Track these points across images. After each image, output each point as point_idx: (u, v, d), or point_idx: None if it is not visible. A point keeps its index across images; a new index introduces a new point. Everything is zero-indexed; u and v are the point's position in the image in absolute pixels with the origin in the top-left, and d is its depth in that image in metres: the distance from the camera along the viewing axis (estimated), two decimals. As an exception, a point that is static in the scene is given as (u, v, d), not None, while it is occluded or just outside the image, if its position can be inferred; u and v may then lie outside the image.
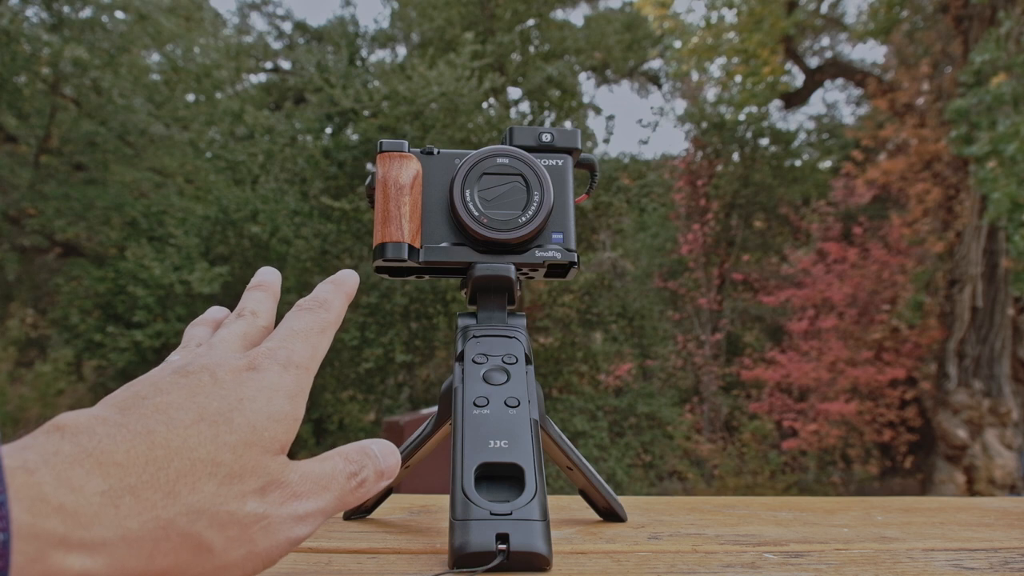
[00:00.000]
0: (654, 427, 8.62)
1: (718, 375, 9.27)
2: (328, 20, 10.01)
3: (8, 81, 7.88)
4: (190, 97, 9.38)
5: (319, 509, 0.34)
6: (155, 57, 9.37)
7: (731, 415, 9.08)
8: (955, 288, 8.39)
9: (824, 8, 10.04)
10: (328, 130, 8.62)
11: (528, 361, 0.50)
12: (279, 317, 0.41)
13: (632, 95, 16.94)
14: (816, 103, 18.27)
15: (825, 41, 10.76)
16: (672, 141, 33.81)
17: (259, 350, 0.36)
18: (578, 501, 0.63)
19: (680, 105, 13.02)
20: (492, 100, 9.53)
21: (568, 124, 9.32)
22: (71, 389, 8.31)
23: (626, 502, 0.60)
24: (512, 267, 0.53)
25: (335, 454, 0.37)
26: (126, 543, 0.27)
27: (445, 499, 0.64)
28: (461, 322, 0.54)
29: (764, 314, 9.66)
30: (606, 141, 9.99)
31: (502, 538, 0.40)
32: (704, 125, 9.87)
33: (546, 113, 9.57)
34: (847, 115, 11.51)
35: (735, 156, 10.05)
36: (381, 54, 10.13)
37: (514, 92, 10.02)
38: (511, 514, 0.41)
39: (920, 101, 8.98)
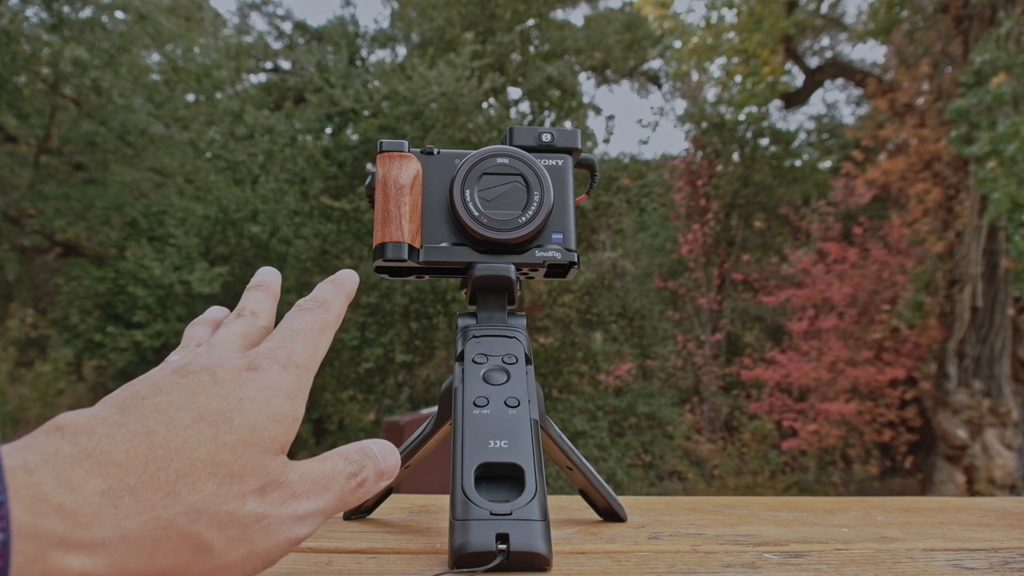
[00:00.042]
0: (654, 427, 8.62)
1: (718, 375, 9.27)
2: (328, 20, 10.02)
3: (8, 81, 7.88)
4: (190, 97, 9.38)
5: (319, 509, 0.34)
6: (155, 57, 9.38)
7: (731, 415, 9.08)
8: (955, 288, 8.39)
9: (824, 8, 10.05)
10: (328, 130, 8.63)
11: (528, 361, 0.50)
12: (279, 317, 0.41)
13: (632, 95, 16.96)
14: (816, 103, 18.30)
15: (825, 41, 10.77)
16: (672, 141, 33.83)
17: (259, 350, 0.36)
18: (578, 501, 0.63)
19: (680, 105, 13.04)
20: (492, 100, 9.53)
21: (568, 124, 9.32)
22: (71, 389, 8.31)
23: (626, 502, 0.60)
24: (512, 267, 0.53)
25: (335, 454, 0.37)
26: (126, 543, 0.27)
27: (445, 499, 0.64)
28: (461, 322, 0.54)
29: (764, 314, 9.66)
30: (606, 141, 10.00)
31: (502, 538, 0.40)
32: (704, 125, 9.87)
33: (546, 113, 9.57)
34: (847, 115, 11.53)
35: (735, 156, 10.06)
36: (381, 54, 10.15)
37: (514, 92, 10.03)
38: (511, 514, 0.41)
39: (920, 101, 8.98)
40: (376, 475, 0.37)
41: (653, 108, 16.34)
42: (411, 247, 0.53)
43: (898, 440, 8.28)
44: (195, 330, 0.42)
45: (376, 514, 0.60)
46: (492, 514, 0.41)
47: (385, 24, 10.45)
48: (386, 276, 0.55)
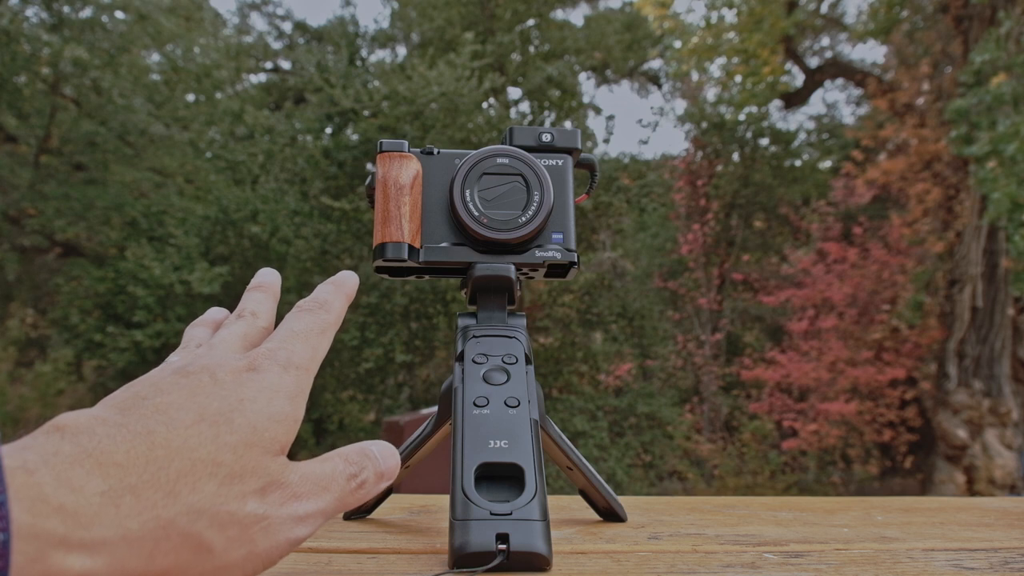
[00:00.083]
0: (654, 427, 8.62)
1: (718, 375, 9.27)
2: (328, 20, 10.02)
3: (8, 81, 7.88)
4: (190, 97, 9.38)
5: (319, 510, 0.34)
6: (155, 57, 9.38)
7: (731, 415, 9.08)
8: (955, 288, 8.39)
9: (824, 8, 10.05)
10: (328, 130, 8.63)
11: (528, 361, 0.50)
12: (279, 318, 0.41)
13: (632, 95, 16.96)
14: (816, 103, 18.30)
15: (825, 41, 10.77)
16: (672, 141, 33.83)
17: (259, 351, 0.37)
18: (578, 501, 0.63)
19: (680, 105, 13.04)
20: (492, 100, 9.53)
21: (568, 124, 9.32)
22: (71, 389, 8.32)
23: (626, 502, 0.60)
24: (512, 267, 0.53)
25: (335, 455, 0.37)
26: (126, 543, 0.27)
27: (445, 499, 0.64)
28: (461, 322, 0.54)
29: (764, 314, 9.66)
30: (606, 141, 10.01)
31: (502, 538, 0.40)
32: (704, 125, 9.87)
33: (546, 113, 9.57)
34: (847, 115, 11.53)
35: (735, 156, 10.06)
36: (381, 54, 10.15)
37: (514, 92, 10.03)
38: (511, 514, 0.41)
39: (920, 101, 8.98)
40: (376, 476, 0.37)
41: (653, 108, 16.36)
42: (411, 247, 0.53)
43: (898, 440, 8.29)
44: (195, 331, 0.42)
45: (376, 514, 0.60)
46: (492, 514, 0.41)
47: (385, 24, 10.46)
48: (386, 276, 0.55)
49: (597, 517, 0.60)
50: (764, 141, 10.13)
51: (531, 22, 9.97)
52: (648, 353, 9.35)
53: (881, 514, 0.66)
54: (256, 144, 8.41)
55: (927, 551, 0.50)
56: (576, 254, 0.55)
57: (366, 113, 8.33)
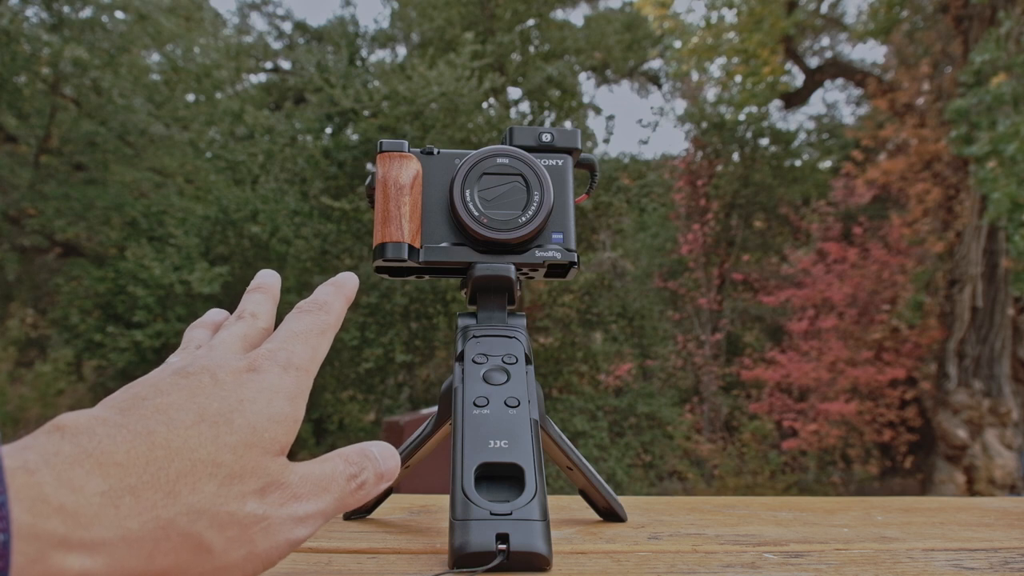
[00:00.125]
0: (654, 427, 8.62)
1: (718, 375, 9.27)
2: (328, 20, 10.03)
3: (8, 81, 7.88)
4: (190, 97, 9.38)
5: (319, 511, 0.34)
6: (155, 57, 9.39)
7: (731, 415, 9.08)
8: (955, 288, 8.39)
9: (824, 8, 10.05)
10: (328, 130, 8.63)
11: (528, 361, 0.50)
12: (279, 319, 0.42)
13: (632, 95, 16.97)
14: (816, 103, 18.31)
15: (825, 41, 10.77)
16: (672, 141, 33.85)
17: (259, 352, 0.37)
18: (578, 501, 0.63)
19: (680, 105, 13.04)
20: (492, 100, 9.54)
21: (568, 124, 9.32)
22: (71, 389, 8.32)
23: (626, 502, 0.60)
24: (512, 267, 0.53)
25: (335, 456, 0.37)
26: (126, 543, 0.27)
27: (445, 499, 0.64)
28: (461, 322, 0.54)
29: (764, 314, 9.66)
30: (606, 141, 10.01)
31: (502, 538, 0.40)
32: (704, 125, 9.88)
33: (546, 113, 9.57)
34: (847, 115, 11.53)
35: (735, 156, 10.06)
36: (381, 54, 10.15)
37: (514, 92, 10.03)
38: (511, 514, 0.41)
39: (920, 101, 8.98)
40: (376, 477, 0.37)
41: (653, 108, 16.37)
42: (411, 247, 0.53)
43: (898, 440, 8.29)
44: (195, 332, 0.42)
45: (376, 514, 0.60)
46: (492, 514, 0.41)
47: (385, 24, 10.47)
48: (386, 276, 0.55)
49: (597, 517, 0.60)
50: (764, 141, 10.14)
51: (531, 22, 9.97)
52: (648, 353, 9.36)
53: (881, 514, 0.66)
54: (256, 144, 8.41)
55: (927, 551, 0.50)
56: (576, 254, 0.55)
57: (366, 113, 8.34)
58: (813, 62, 10.69)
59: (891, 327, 8.42)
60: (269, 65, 10.78)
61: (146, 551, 0.28)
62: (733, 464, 8.42)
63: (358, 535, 0.52)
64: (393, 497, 0.64)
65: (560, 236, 0.54)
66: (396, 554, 0.46)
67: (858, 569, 0.44)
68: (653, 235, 10.06)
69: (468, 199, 0.53)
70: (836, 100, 16.00)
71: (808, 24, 9.95)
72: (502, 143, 0.57)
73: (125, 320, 7.77)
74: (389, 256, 0.52)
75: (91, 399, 8.02)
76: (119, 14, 8.75)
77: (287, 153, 8.39)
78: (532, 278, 0.56)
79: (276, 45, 10.71)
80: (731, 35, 9.82)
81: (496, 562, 0.39)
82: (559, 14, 10.57)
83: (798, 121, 13.69)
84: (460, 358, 0.50)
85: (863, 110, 10.38)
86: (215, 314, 0.44)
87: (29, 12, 8.27)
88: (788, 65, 10.30)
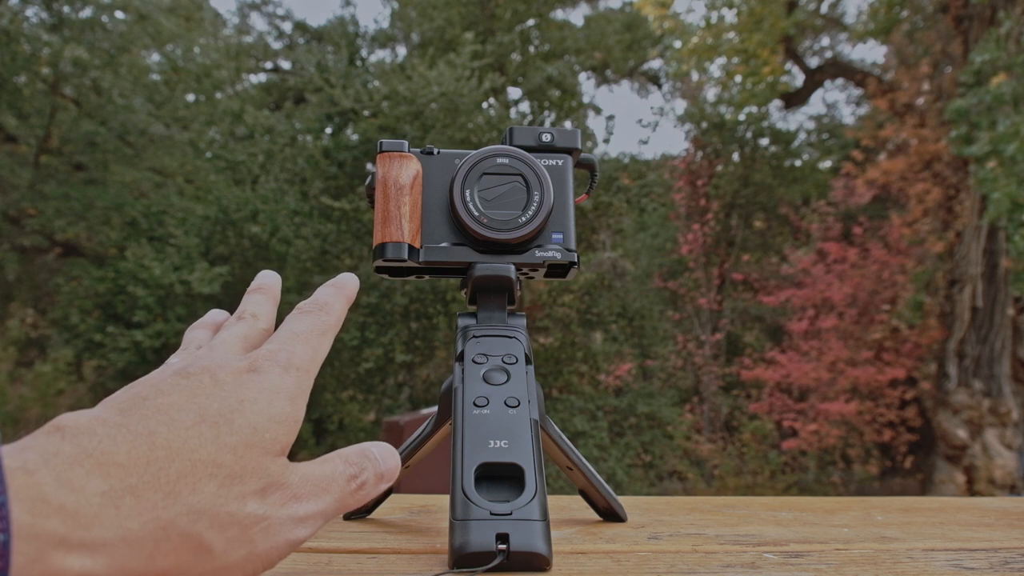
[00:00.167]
0: (654, 427, 8.62)
1: (718, 375, 9.27)
2: (328, 20, 10.03)
3: (8, 81, 7.88)
4: (190, 97, 9.38)
5: (319, 511, 0.34)
6: (155, 57, 9.39)
7: (731, 415, 9.08)
8: (955, 288, 8.39)
9: (824, 8, 10.05)
10: (328, 130, 8.63)
11: (528, 361, 0.50)
12: (279, 320, 0.42)
13: (632, 95, 16.97)
14: (816, 103, 18.30)
15: (825, 41, 10.77)
16: (672, 141, 33.84)
17: (260, 352, 0.37)
18: (578, 501, 0.63)
19: (680, 105, 13.04)
20: (492, 100, 9.54)
21: (568, 124, 9.32)
22: (71, 389, 8.32)
23: (626, 502, 0.60)
24: (512, 267, 0.53)
25: (335, 456, 0.37)
26: (126, 543, 0.27)
27: (445, 499, 0.64)
28: (461, 322, 0.54)
29: (764, 314, 9.66)
30: (606, 141, 10.01)
31: (502, 538, 0.40)
32: (704, 125, 9.88)
33: (546, 113, 9.57)
34: (847, 115, 11.53)
35: (735, 156, 10.06)
36: (381, 54, 10.15)
37: (514, 92, 10.03)
38: (511, 514, 0.41)
39: (920, 101, 8.98)
40: (376, 478, 0.37)
41: (653, 108, 16.36)
42: (411, 247, 0.53)
43: (898, 440, 8.29)
44: (195, 333, 0.42)
45: (376, 514, 0.60)
46: (492, 514, 0.41)
47: (385, 24, 10.46)
48: (386, 276, 0.55)
49: (597, 517, 0.60)
50: (764, 141, 10.14)
51: (531, 22, 9.97)
52: (648, 353, 9.36)
53: (881, 514, 0.66)
54: (256, 144, 8.41)
55: (927, 551, 0.50)
56: (576, 254, 0.55)
57: (366, 113, 8.34)
58: (813, 62, 10.70)
59: (891, 327, 8.42)
60: (269, 65, 10.79)
61: (146, 551, 0.28)
62: (733, 464, 8.42)
63: (358, 535, 0.52)
64: (393, 497, 0.64)
65: (560, 236, 0.54)
66: (396, 554, 0.46)
67: (858, 569, 0.44)
68: (653, 235, 10.06)
69: (468, 199, 0.53)
70: (836, 100, 16.01)
71: (808, 24, 9.96)
72: (502, 143, 0.57)
73: (125, 320, 7.78)
74: (389, 256, 0.52)
75: (91, 399, 8.02)
76: (119, 14, 8.75)
77: (287, 153, 8.39)
78: (532, 278, 0.56)
79: (276, 45, 10.72)
80: (731, 35, 9.83)
81: (496, 562, 0.39)
82: (559, 14, 10.59)
83: (798, 121, 13.70)
84: (460, 358, 0.50)
85: (863, 110, 10.39)
86: (215, 315, 0.44)
87: (29, 12, 8.28)
88: (788, 65, 10.31)
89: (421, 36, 9.96)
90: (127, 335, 7.63)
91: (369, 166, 8.30)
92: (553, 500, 0.67)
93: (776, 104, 10.33)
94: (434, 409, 0.56)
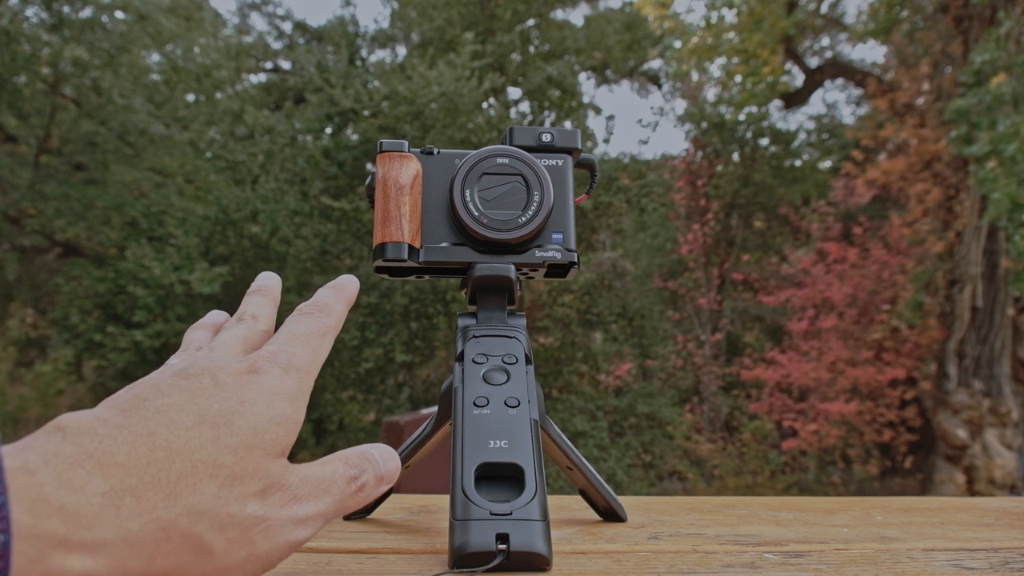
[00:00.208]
0: (654, 427, 8.62)
1: (718, 375, 9.27)
2: (328, 20, 10.02)
3: (8, 81, 7.88)
4: (190, 97, 9.38)
5: (319, 512, 0.34)
6: (155, 57, 9.39)
7: (731, 415, 9.08)
8: (955, 288, 8.39)
9: (824, 8, 10.05)
10: (328, 130, 8.63)
11: (528, 361, 0.50)
12: (279, 321, 0.42)
13: (632, 95, 16.96)
14: (816, 103, 18.30)
15: (825, 41, 10.77)
16: (672, 141, 33.83)
17: (260, 353, 0.37)
18: (578, 501, 0.63)
19: (680, 105, 13.04)
20: (492, 100, 9.54)
21: (568, 124, 9.32)
22: (71, 389, 8.32)
23: (626, 502, 0.61)
24: (512, 267, 0.53)
25: (335, 458, 0.37)
26: (127, 544, 0.27)
27: (445, 499, 0.64)
28: (461, 322, 0.54)
29: (764, 314, 9.66)
30: (606, 141, 10.01)
31: (502, 538, 0.40)
32: (704, 125, 9.88)
33: (546, 113, 9.57)
34: (847, 115, 11.53)
35: (735, 156, 10.06)
36: (381, 54, 10.15)
37: (514, 92, 10.03)
38: (511, 514, 0.41)
39: (920, 101, 8.98)
40: (376, 479, 0.37)
41: (653, 108, 16.37)
42: (411, 247, 0.53)
43: (898, 440, 8.28)
44: (195, 334, 0.42)
45: (376, 514, 0.60)
46: (492, 514, 0.41)
47: (385, 24, 10.46)
48: (386, 276, 0.55)
49: (597, 517, 0.60)
50: (764, 141, 10.14)
51: (531, 22, 9.97)
52: (648, 353, 9.36)
53: (881, 514, 0.66)
54: (256, 144, 8.41)
55: (927, 551, 0.50)
56: (576, 254, 0.55)
57: (366, 113, 8.34)
58: (813, 62, 10.70)
59: (891, 327, 8.42)
60: (269, 65, 10.79)
61: (147, 552, 0.28)
62: (733, 464, 8.42)
63: (358, 535, 0.52)
64: (393, 497, 0.64)
65: (560, 236, 0.54)
66: (396, 554, 0.46)
67: (858, 569, 0.44)
68: (653, 235, 10.06)
69: (468, 199, 0.53)
70: (836, 100, 16.01)
71: (808, 24, 9.95)
72: (502, 143, 0.57)
73: (125, 320, 7.78)
74: (389, 256, 0.52)
75: (91, 399, 8.03)
76: (119, 14, 8.75)
77: (287, 153, 8.39)
78: (532, 278, 0.56)
79: (276, 45, 10.72)
80: (731, 35, 9.83)
81: (496, 562, 0.39)
82: (559, 14, 10.58)
83: (798, 121, 13.70)
84: (460, 358, 0.50)
85: (863, 110, 10.39)
86: (215, 316, 0.44)
87: (29, 12, 8.28)
88: (788, 65, 10.31)
89: (421, 36, 9.96)
90: (127, 335, 7.63)
91: (369, 166, 8.30)
92: (553, 500, 0.67)
93: (776, 104, 10.34)
94: (434, 409, 0.56)
